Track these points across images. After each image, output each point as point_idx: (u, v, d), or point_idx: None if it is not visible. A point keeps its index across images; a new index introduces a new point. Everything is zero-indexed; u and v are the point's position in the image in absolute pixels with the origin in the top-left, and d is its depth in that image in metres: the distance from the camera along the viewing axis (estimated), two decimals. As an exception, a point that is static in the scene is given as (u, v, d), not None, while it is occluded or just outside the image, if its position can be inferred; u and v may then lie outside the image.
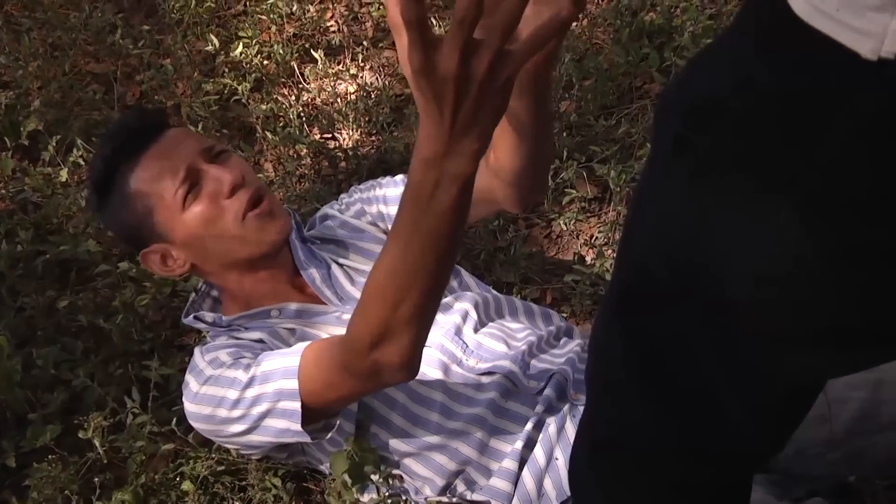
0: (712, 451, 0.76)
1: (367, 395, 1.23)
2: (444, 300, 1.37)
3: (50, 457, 1.36)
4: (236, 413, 1.20)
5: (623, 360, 0.76)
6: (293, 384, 1.15)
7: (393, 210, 1.43)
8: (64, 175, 1.94)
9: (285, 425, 1.18)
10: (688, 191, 0.65)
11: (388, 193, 1.45)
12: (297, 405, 1.16)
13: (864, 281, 0.59)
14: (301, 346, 1.18)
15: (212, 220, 1.29)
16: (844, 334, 0.63)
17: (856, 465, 1.11)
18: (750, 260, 0.62)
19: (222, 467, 1.41)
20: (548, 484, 1.23)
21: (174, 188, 1.28)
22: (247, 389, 1.19)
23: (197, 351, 1.29)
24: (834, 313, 0.61)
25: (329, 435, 1.23)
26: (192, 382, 1.25)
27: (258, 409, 1.19)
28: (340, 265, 1.40)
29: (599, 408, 0.84)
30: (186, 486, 1.38)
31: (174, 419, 1.39)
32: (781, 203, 0.59)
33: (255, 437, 1.23)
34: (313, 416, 1.19)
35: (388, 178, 1.48)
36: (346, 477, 1.24)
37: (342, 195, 1.52)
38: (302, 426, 1.17)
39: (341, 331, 1.30)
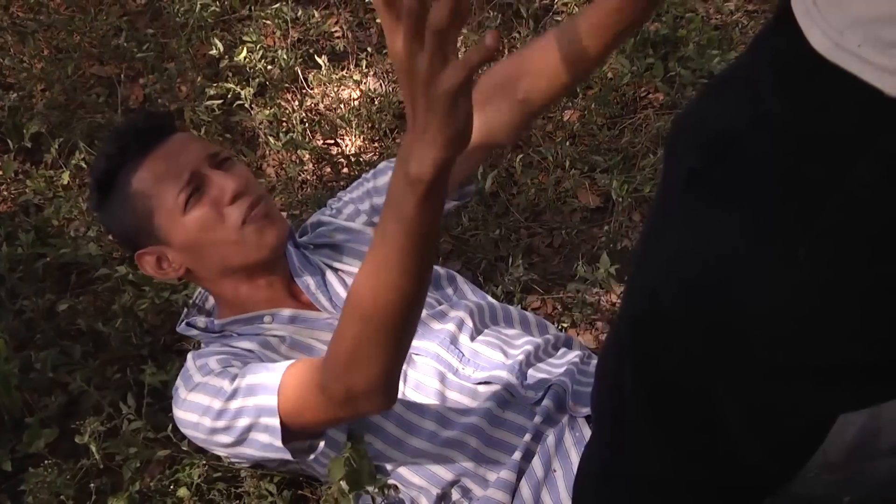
0: (721, 484, 0.76)
1: (346, 422, 1.21)
2: (440, 307, 1.37)
3: (46, 461, 1.36)
4: (220, 423, 1.20)
5: (632, 390, 0.75)
6: (273, 401, 1.14)
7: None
8: (66, 178, 1.93)
9: (268, 440, 1.18)
10: (702, 223, 0.64)
11: (379, 183, 1.45)
12: (276, 422, 1.15)
13: (886, 317, 0.58)
14: (286, 364, 1.17)
15: (211, 226, 1.28)
16: (863, 370, 0.62)
17: (854, 487, 1.10)
18: (767, 295, 0.61)
19: (218, 474, 1.40)
20: (545, 497, 1.22)
21: (177, 191, 1.28)
22: (230, 401, 1.18)
23: (189, 357, 1.29)
24: (852, 349, 0.60)
25: (312, 456, 1.23)
26: (181, 388, 1.25)
27: (242, 423, 1.18)
28: (335, 270, 1.40)
29: (607, 435, 0.84)
30: (182, 492, 1.38)
31: (169, 425, 1.38)
32: (801, 239, 0.58)
33: (243, 450, 1.23)
34: (295, 434, 1.18)
35: (371, 172, 1.48)
36: (344, 484, 1.24)
37: (330, 200, 1.51)
38: (283, 443, 1.17)
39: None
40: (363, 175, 1.50)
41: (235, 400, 1.18)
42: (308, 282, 1.37)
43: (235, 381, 1.19)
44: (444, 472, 1.26)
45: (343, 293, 1.37)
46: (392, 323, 0.96)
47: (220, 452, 1.30)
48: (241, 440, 1.20)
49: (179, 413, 1.25)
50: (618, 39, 1.14)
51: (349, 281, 1.38)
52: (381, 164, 1.48)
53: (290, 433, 1.17)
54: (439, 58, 0.76)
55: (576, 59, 1.16)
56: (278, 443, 1.17)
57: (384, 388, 1.04)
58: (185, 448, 1.40)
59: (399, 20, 0.76)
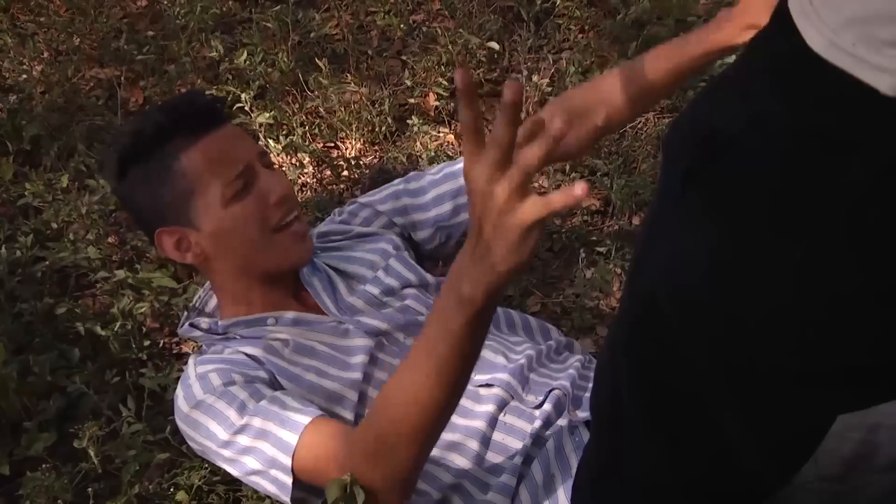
0: (717, 489, 0.75)
1: None
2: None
3: (44, 465, 1.35)
4: (226, 454, 1.19)
5: (629, 394, 0.75)
6: (287, 461, 1.13)
7: (419, 200, 1.42)
8: (65, 181, 1.93)
9: (274, 491, 1.17)
10: (699, 226, 0.64)
11: (411, 187, 1.45)
12: (288, 480, 1.15)
13: (884, 320, 0.58)
14: (303, 422, 1.14)
15: (250, 222, 1.28)
16: (862, 371, 0.61)
17: (852, 501, 1.10)
18: (764, 297, 0.60)
19: (217, 477, 1.40)
20: (545, 502, 1.22)
21: (227, 180, 1.27)
22: (238, 435, 1.17)
23: (191, 361, 1.28)
24: (850, 351, 0.60)
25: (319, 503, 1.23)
26: (181, 399, 1.24)
27: (250, 463, 1.17)
28: (342, 274, 1.39)
29: (604, 439, 0.83)
30: (181, 496, 1.38)
31: (168, 427, 1.38)
32: (798, 241, 0.58)
33: (244, 482, 1.22)
34: (303, 484, 1.17)
35: (398, 179, 1.48)
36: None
37: (338, 209, 1.51)
38: (291, 498, 1.16)
39: (336, 340, 1.30)
40: (390, 182, 1.49)
41: (243, 436, 1.17)
42: (315, 285, 1.36)
43: (244, 414, 1.17)
44: (444, 476, 1.25)
45: (349, 298, 1.36)
46: (421, 426, 0.96)
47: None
48: (244, 477, 1.20)
49: (181, 425, 1.24)
50: (691, 78, 1.32)
51: (355, 285, 1.38)
52: (412, 173, 1.48)
53: (299, 484, 1.16)
54: (521, 191, 0.75)
55: (652, 92, 1.28)
56: (286, 498, 1.16)
57: (400, 487, 1.03)
58: (184, 450, 1.39)
59: (481, 142, 0.75)
